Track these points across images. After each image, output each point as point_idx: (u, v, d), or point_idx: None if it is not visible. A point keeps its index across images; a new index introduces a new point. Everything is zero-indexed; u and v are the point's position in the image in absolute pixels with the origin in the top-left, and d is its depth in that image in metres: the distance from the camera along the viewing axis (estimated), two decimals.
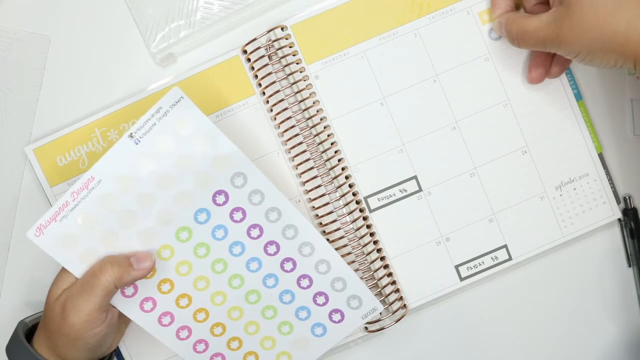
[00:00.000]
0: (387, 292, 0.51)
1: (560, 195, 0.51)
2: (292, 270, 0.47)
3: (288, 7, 0.51)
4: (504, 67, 0.51)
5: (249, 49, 0.50)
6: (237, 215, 0.46)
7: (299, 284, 0.48)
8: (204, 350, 0.48)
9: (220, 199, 0.45)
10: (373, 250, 0.50)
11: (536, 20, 0.44)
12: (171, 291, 0.46)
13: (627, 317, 0.53)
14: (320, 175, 0.50)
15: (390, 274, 0.51)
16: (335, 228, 0.50)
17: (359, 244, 0.50)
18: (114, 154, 0.44)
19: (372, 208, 0.51)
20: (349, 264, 0.49)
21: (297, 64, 0.50)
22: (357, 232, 0.50)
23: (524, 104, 0.51)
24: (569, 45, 0.43)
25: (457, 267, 0.51)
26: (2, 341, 0.47)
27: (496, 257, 0.51)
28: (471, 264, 0.51)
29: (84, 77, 0.52)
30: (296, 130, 0.50)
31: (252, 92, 0.51)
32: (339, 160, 0.51)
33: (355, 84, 0.51)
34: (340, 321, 0.49)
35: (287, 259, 0.47)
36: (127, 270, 0.44)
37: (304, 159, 0.50)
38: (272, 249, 0.47)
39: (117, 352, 0.52)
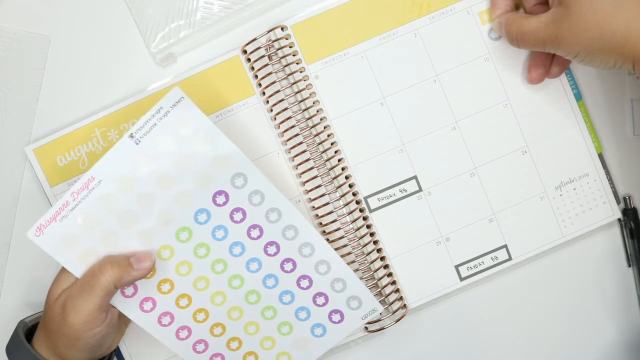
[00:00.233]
0: (387, 292, 0.51)
1: (560, 195, 0.51)
2: (292, 270, 0.47)
3: (288, 7, 0.51)
4: (504, 67, 0.51)
5: (249, 49, 0.50)
6: (237, 216, 0.46)
7: (298, 285, 0.48)
8: (204, 351, 0.48)
9: (221, 199, 0.45)
10: (373, 250, 0.50)
11: (535, 20, 0.44)
12: (171, 291, 0.46)
13: (627, 317, 0.53)
14: (320, 175, 0.50)
15: (390, 274, 0.51)
16: (335, 228, 0.50)
17: (359, 244, 0.50)
18: (114, 154, 0.44)
19: (372, 208, 0.51)
20: (348, 264, 0.49)
21: (297, 64, 0.50)
22: (357, 232, 0.50)
23: (524, 104, 0.51)
24: (568, 46, 0.43)
25: (457, 267, 0.51)
26: (2, 341, 0.47)
27: (496, 257, 0.51)
28: (471, 264, 0.51)
29: (84, 77, 0.52)
30: (296, 130, 0.50)
31: (252, 92, 0.51)
32: (339, 160, 0.51)
33: (355, 84, 0.51)
34: (340, 322, 0.49)
35: (287, 260, 0.47)
36: (127, 271, 0.44)
37: (304, 159, 0.50)
38: (272, 249, 0.47)
39: (117, 352, 0.52)
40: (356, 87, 0.51)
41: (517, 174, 0.51)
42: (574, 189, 0.51)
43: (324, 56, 0.50)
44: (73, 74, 0.52)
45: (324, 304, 0.48)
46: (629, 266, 0.53)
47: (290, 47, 0.50)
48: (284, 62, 0.50)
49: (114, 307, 0.46)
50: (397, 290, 0.51)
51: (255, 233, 0.46)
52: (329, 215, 0.50)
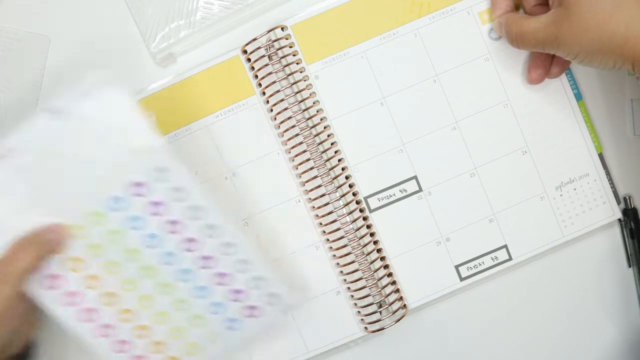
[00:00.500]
0: (387, 292, 0.51)
1: (561, 195, 0.51)
2: (211, 266, 0.47)
3: (288, 7, 0.51)
4: (504, 67, 0.51)
5: (249, 49, 0.50)
6: (155, 209, 0.46)
7: (217, 280, 0.48)
8: (109, 335, 0.47)
9: (138, 189, 0.45)
10: (373, 250, 0.50)
11: (535, 21, 0.44)
12: (81, 271, 0.45)
13: (627, 317, 0.53)
14: (320, 175, 0.50)
15: (390, 274, 0.51)
16: (335, 228, 0.50)
17: (359, 244, 0.50)
18: (32, 127, 0.43)
19: (372, 208, 0.51)
20: (349, 264, 0.50)
21: (297, 64, 0.50)
22: (357, 232, 0.50)
23: (524, 104, 0.51)
24: (567, 47, 0.43)
25: (457, 267, 0.51)
26: None
27: (496, 257, 0.51)
28: (471, 264, 0.51)
29: (84, 77, 0.52)
30: (296, 130, 0.50)
31: (252, 92, 0.51)
32: (339, 160, 0.51)
33: (355, 84, 0.51)
34: (256, 317, 0.49)
35: (207, 257, 0.47)
36: (43, 249, 0.42)
37: (304, 159, 0.50)
38: (191, 245, 0.47)
39: None
40: (356, 87, 0.51)
41: (517, 174, 0.51)
42: (574, 189, 0.51)
43: (324, 56, 0.50)
44: (73, 74, 0.52)
45: (241, 299, 0.48)
46: (629, 266, 0.53)
47: (290, 47, 0.50)
48: (284, 62, 0.50)
49: (28, 297, 0.43)
50: (397, 290, 0.51)
51: (174, 227, 0.46)
52: (329, 215, 0.50)
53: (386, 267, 0.51)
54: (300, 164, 0.50)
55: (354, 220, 0.50)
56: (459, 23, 0.50)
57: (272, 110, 0.50)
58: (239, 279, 0.47)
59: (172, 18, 0.51)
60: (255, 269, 0.47)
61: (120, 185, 0.45)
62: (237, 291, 0.48)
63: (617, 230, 0.53)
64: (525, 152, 0.51)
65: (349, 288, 0.51)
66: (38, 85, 0.52)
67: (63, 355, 0.51)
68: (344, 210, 0.50)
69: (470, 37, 0.50)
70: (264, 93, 0.50)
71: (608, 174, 0.52)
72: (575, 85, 0.51)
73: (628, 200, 0.52)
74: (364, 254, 0.50)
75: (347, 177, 0.51)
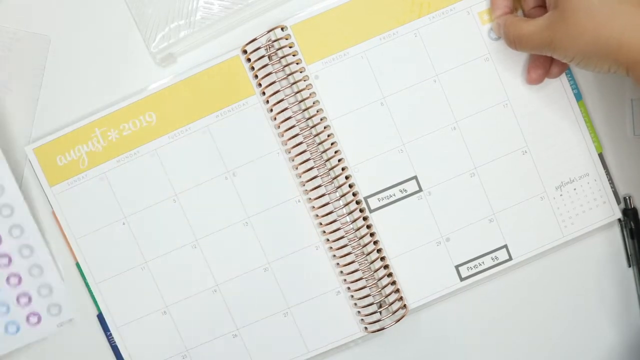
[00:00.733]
0: (387, 292, 0.51)
1: (561, 195, 0.51)
2: (4, 265, 0.48)
3: (288, 7, 0.51)
4: (504, 67, 0.51)
5: (249, 49, 0.50)
6: None
7: (7, 281, 0.48)
8: None
9: None
10: (373, 250, 0.50)
11: (532, 25, 0.44)
12: None
13: (627, 318, 0.53)
14: (320, 175, 0.50)
15: (390, 274, 0.51)
16: (335, 228, 0.50)
17: (359, 244, 0.50)
18: None
19: (372, 208, 0.51)
20: (349, 264, 0.49)
21: (297, 64, 0.50)
22: (357, 232, 0.50)
23: (524, 104, 0.51)
24: (563, 50, 0.43)
25: (457, 267, 0.51)
26: None
27: (496, 257, 0.51)
28: (471, 264, 0.51)
29: (84, 77, 0.52)
30: (296, 130, 0.50)
31: (252, 92, 0.51)
32: (339, 160, 0.51)
33: (356, 84, 0.51)
34: (35, 324, 0.50)
35: (4, 255, 0.48)
36: None
37: (304, 159, 0.50)
38: None
39: (117, 352, 0.52)
40: (356, 87, 0.51)
41: (517, 174, 0.51)
42: (574, 189, 0.51)
43: (324, 56, 0.50)
44: (73, 74, 0.52)
45: (25, 304, 0.49)
46: (629, 266, 0.53)
47: (290, 47, 0.50)
48: (284, 62, 0.50)
49: None
50: (397, 291, 0.51)
51: None
52: (329, 215, 0.50)
53: (386, 267, 0.51)
54: (300, 164, 0.50)
55: (354, 220, 0.50)
56: (459, 23, 0.50)
57: (272, 110, 0.50)
58: (28, 283, 0.48)
59: (172, 18, 0.51)
60: (45, 276, 0.49)
61: None
62: (24, 295, 0.49)
63: (617, 230, 0.53)
64: (525, 152, 0.51)
65: (349, 288, 0.51)
66: (38, 85, 0.52)
67: None
68: (344, 210, 0.50)
69: (470, 37, 0.50)
70: (263, 93, 0.50)
71: (608, 173, 0.52)
72: (575, 85, 0.51)
73: (628, 200, 0.52)
74: (364, 254, 0.50)
75: (347, 177, 0.51)
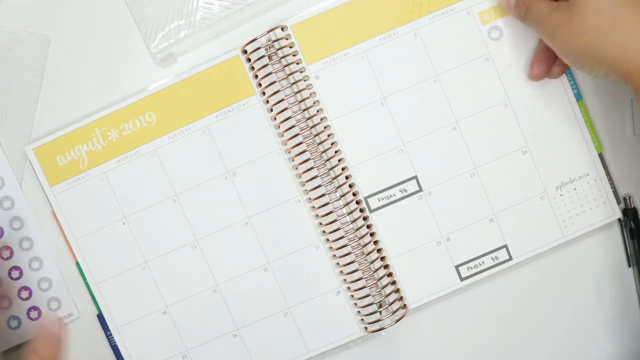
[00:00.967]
0: (387, 292, 0.51)
1: (561, 195, 0.51)
2: (7, 258, 0.48)
3: (288, 7, 0.51)
4: (504, 67, 0.51)
5: (249, 49, 0.50)
6: None
7: (9, 274, 0.49)
8: None
9: None
10: (373, 250, 0.50)
11: (546, 4, 0.44)
12: None
13: (627, 318, 0.53)
14: (320, 175, 0.50)
15: (390, 274, 0.51)
16: (335, 228, 0.50)
17: (359, 244, 0.50)
18: None
19: (372, 208, 0.51)
20: (349, 264, 0.49)
21: (297, 64, 0.50)
22: (357, 232, 0.50)
23: (524, 104, 0.51)
24: (561, 43, 0.43)
25: (457, 267, 0.51)
26: None
27: (496, 257, 0.51)
28: (471, 264, 0.51)
29: (84, 77, 0.52)
30: (296, 130, 0.50)
31: (252, 92, 0.51)
32: (339, 160, 0.51)
33: (356, 84, 0.51)
34: (36, 319, 0.50)
35: (6, 247, 0.48)
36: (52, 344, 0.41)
37: (304, 159, 0.50)
38: None
39: (117, 352, 0.52)
40: (356, 87, 0.51)
41: (517, 174, 0.51)
42: (574, 189, 0.51)
43: (324, 56, 0.50)
44: (73, 74, 0.52)
45: (26, 299, 0.49)
46: (629, 266, 0.53)
47: (291, 47, 0.50)
48: (284, 62, 0.50)
49: None
50: (397, 290, 0.51)
51: None
52: (329, 215, 0.50)
53: (386, 267, 0.51)
54: (300, 164, 0.50)
55: (354, 220, 0.50)
56: (459, 23, 0.50)
57: (272, 110, 0.50)
58: (29, 276, 0.49)
59: (172, 18, 0.51)
60: (44, 270, 0.49)
61: None
62: (25, 288, 0.49)
63: (617, 230, 0.53)
64: (526, 152, 0.51)
65: (349, 288, 0.51)
66: (38, 85, 0.52)
67: None
68: (344, 210, 0.50)
69: (471, 37, 0.50)
70: (264, 93, 0.50)
71: (608, 173, 0.52)
72: (575, 85, 0.51)
73: (628, 200, 0.52)
74: (364, 254, 0.50)
75: (347, 177, 0.51)
